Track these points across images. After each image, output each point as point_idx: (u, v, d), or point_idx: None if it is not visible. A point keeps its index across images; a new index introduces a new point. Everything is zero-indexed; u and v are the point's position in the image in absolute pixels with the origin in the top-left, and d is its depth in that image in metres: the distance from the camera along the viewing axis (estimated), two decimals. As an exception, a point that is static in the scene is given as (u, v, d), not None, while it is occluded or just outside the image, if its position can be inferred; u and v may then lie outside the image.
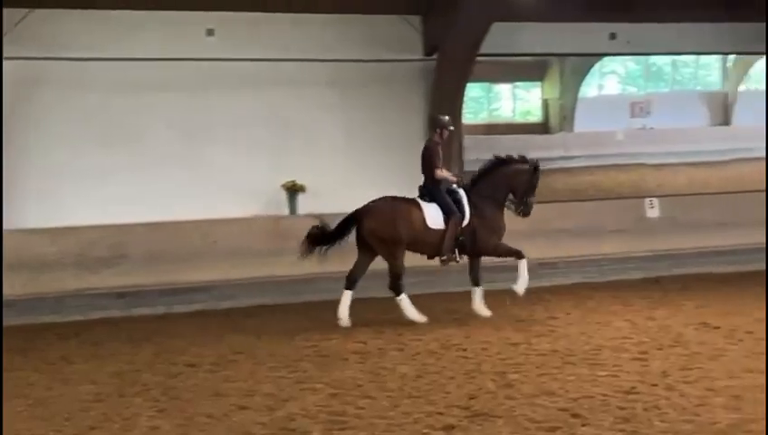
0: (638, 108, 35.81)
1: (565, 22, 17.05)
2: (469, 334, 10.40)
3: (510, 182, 11.28)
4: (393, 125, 16.37)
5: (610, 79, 38.53)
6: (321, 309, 12.64)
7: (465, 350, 9.61)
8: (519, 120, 37.68)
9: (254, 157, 15.58)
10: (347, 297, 11.05)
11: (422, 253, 11.30)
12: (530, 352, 9.41)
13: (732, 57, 32.83)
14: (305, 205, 15.58)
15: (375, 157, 16.26)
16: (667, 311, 11.36)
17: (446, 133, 11.40)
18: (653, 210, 16.41)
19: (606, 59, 33.71)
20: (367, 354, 9.59)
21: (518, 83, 37.67)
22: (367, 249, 11.17)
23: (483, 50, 15.74)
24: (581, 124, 35.35)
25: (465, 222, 11.12)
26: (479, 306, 11.26)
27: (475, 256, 11.33)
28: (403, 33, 16.12)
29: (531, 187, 11.29)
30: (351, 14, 15.92)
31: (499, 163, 11.40)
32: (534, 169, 11.28)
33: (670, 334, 9.97)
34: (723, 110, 37.02)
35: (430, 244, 11.10)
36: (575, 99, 35.97)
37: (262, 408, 7.68)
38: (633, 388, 7.77)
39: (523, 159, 11.41)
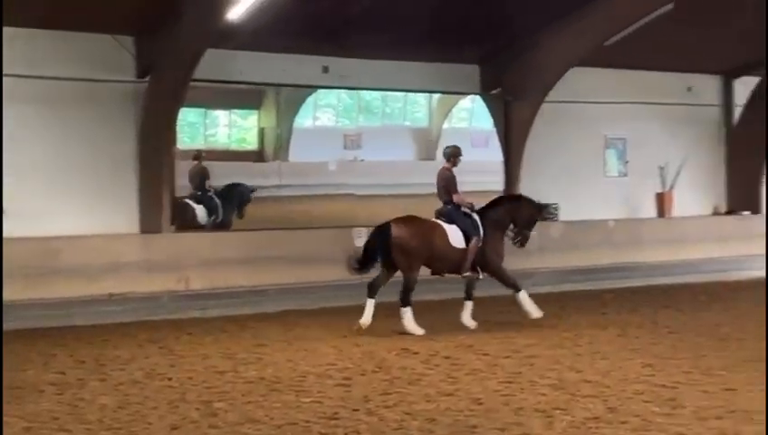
0: (350, 140, 36.81)
1: (279, 52, 17.28)
2: (175, 363, 10.24)
3: (514, 214, 12.80)
4: (102, 147, 15.81)
5: (325, 111, 39.41)
6: (16, 338, 12.00)
7: (170, 379, 9.44)
8: (235, 147, 37.59)
9: (-53, 176, 14.50)
10: (370, 305, 11.94)
11: (442, 269, 12.54)
12: (236, 380, 9.39)
13: (436, 96, 34.58)
14: (5, 228, 14.69)
15: (81, 180, 15.61)
16: (372, 337, 11.72)
17: (458, 161, 12.67)
18: (360, 240, 16.89)
19: (322, 91, 34.38)
20: (65, 386, 9.18)
21: (235, 110, 37.64)
22: (390, 265, 12.11)
23: (198, 75, 15.61)
24: (296, 154, 35.82)
25: (480, 243, 12.37)
26: (467, 319, 12.39)
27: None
28: (114, 53, 15.64)
29: (531, 222, 12.88)
30: (59, 30, 15.24)
31: (512, 198, 13.51)
32: (539, 209, 13.10)
33: (374, 360, 10.29)
34: (428, 145, 38.95)
35: (451, 261, 12.31)
36: (290, 129, 36.43)
37: (-56, 446, 7.14)
38: (336, 413, 7.93)
39: (530, 200, 13.05)
